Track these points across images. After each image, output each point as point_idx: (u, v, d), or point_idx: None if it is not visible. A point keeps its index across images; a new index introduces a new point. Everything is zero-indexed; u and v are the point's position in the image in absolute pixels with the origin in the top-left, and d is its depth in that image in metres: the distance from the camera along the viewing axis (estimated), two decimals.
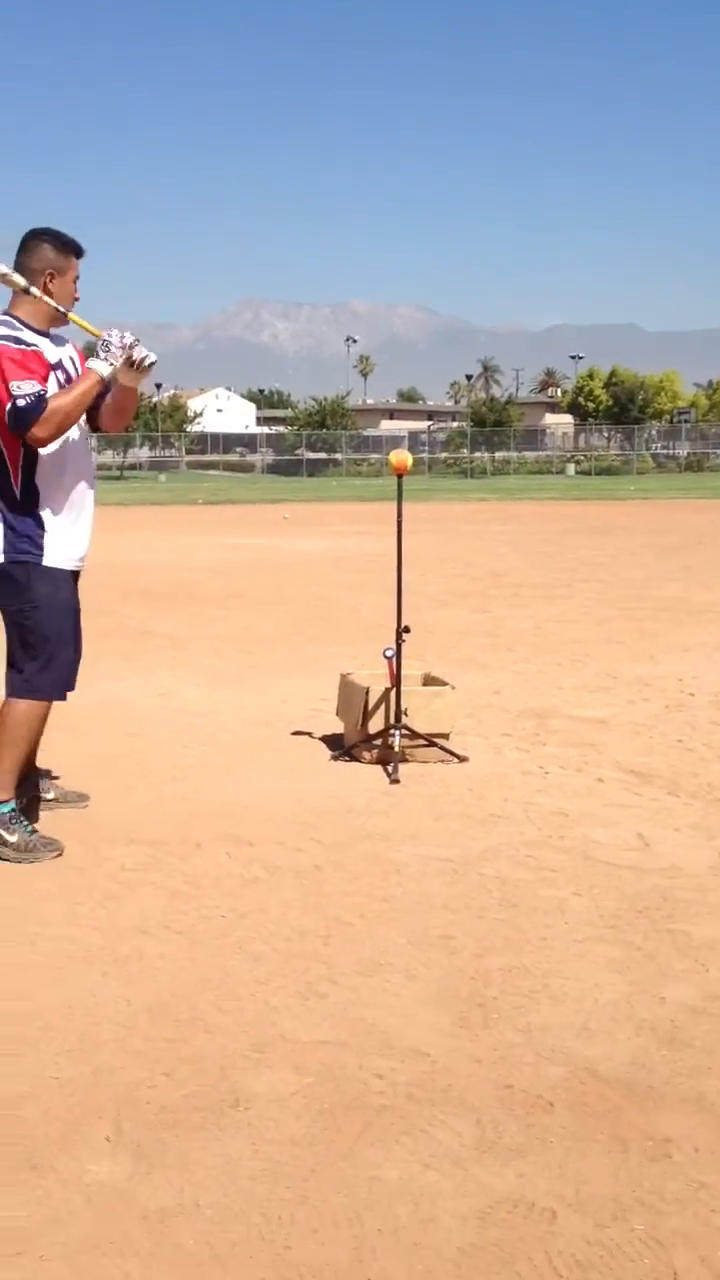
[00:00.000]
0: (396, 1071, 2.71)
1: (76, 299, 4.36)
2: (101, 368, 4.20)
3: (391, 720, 5.30)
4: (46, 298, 4.20)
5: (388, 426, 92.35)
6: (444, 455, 70.16)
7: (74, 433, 4.26)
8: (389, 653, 5.34)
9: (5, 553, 4.18)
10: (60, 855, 4.15)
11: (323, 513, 29.23)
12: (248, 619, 10.28)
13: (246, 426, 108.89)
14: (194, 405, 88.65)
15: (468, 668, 7.64)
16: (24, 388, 4.04)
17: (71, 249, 4.33)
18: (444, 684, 5.73)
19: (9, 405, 4.04)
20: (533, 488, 44.39)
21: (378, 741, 5.39)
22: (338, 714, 5.84)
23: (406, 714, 5.31)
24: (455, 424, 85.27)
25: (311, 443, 74.49)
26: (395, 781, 5.08)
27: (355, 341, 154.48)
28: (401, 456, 5.42)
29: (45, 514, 4.22)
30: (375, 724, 5.40)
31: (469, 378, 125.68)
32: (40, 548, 4.20)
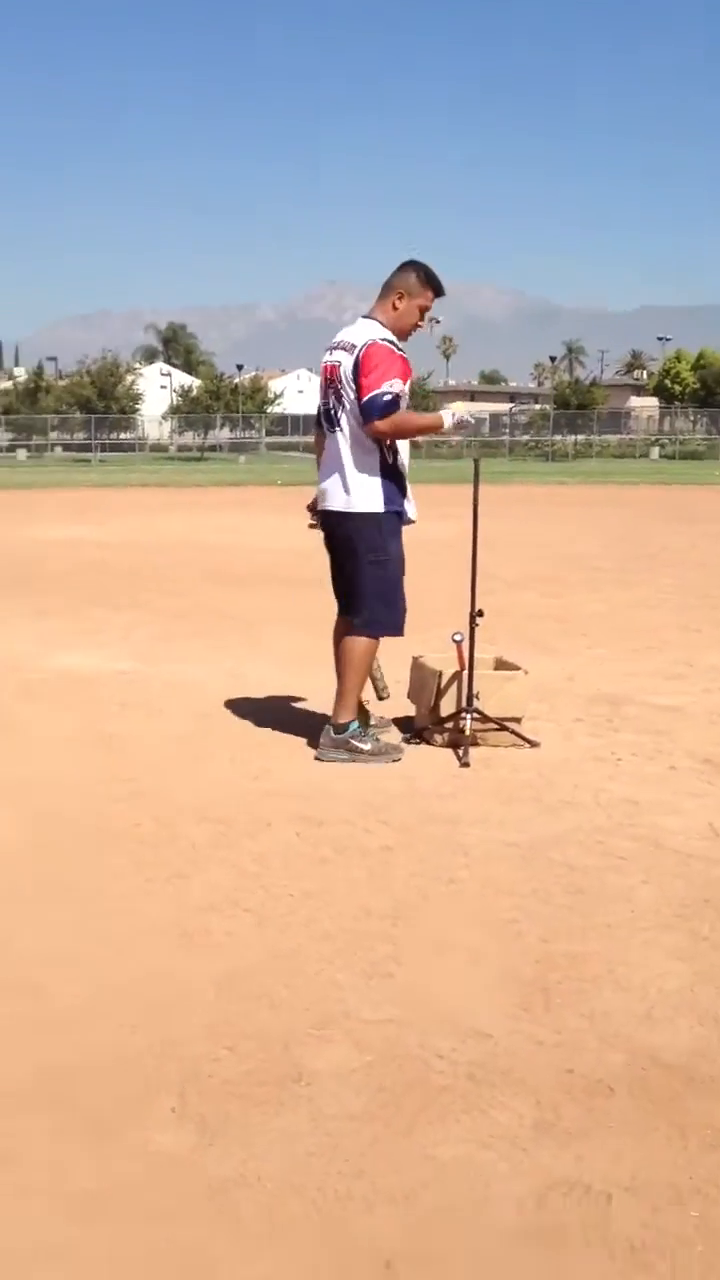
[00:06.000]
0: (458, 1051, 2.74)
1: (420, 326, 5.23)
2: (447, 419, 5.20)
3: (463, 704, 5.31)
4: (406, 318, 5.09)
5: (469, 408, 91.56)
6: (525, 438, 69.57)
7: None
8: (457, 637, 5.34)
9: (385, 502, 5.10)
10: (400, 761, 5.12)
11: None
12: (325, 601, 10.29)
13: None
14: (275, 386, 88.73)
15: (541, 652, 7.60)
16: (393, 386, 4.94)
17: (432, 285, 5.13)
18: (516, 668, 5.72)
19: (373, 394, 4.91)
20: (615, 471, 43.91)
21: (449, 725, 5.40)
22: (409, 696, 5.85)
23: (478, 698, 5.31)
24: (538, 406, 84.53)
25: None
26: (465, 765, 5.10)
27: (438, 322, 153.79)
28: None
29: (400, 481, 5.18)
30: (447, 707, 5.41)
31: (553, 359, 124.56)
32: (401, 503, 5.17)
